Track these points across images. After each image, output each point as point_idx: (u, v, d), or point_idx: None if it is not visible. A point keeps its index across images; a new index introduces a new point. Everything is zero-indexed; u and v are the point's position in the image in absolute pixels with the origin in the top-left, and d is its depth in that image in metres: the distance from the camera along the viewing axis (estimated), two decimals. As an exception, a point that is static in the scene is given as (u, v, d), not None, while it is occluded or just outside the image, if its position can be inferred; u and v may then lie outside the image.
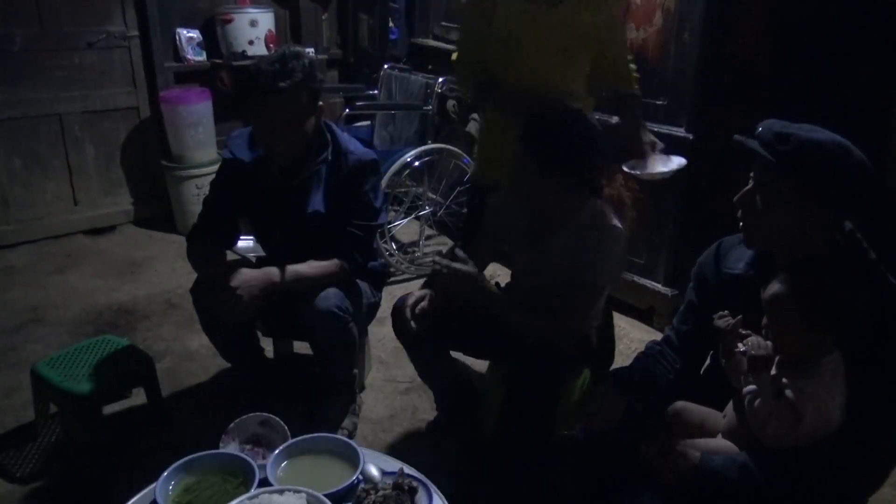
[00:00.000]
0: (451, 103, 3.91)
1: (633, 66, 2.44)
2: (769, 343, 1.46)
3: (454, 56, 2.45)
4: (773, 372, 1.44)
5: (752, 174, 1.51)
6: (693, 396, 1.72)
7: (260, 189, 2.28)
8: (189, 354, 2.96)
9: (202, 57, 4.37)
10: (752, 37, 2.80)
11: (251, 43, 4.26)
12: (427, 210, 3.86)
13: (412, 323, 2.11)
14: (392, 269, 3.57)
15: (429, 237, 4.07)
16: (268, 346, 2.70)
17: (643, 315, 3.25)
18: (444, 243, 4.13)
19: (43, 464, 2.31)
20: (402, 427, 2.54)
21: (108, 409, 2.46)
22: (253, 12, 4.26)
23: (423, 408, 2.66)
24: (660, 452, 1.49)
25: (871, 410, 1.40)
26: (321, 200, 2.25)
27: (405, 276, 3.70)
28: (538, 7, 2.21)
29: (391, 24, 4.49)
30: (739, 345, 1.50)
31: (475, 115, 3.88)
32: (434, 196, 3.91)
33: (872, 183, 1.43)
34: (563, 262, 2.03)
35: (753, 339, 1.49)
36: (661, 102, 2.94)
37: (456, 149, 3.72)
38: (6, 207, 4.02)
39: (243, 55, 4.23)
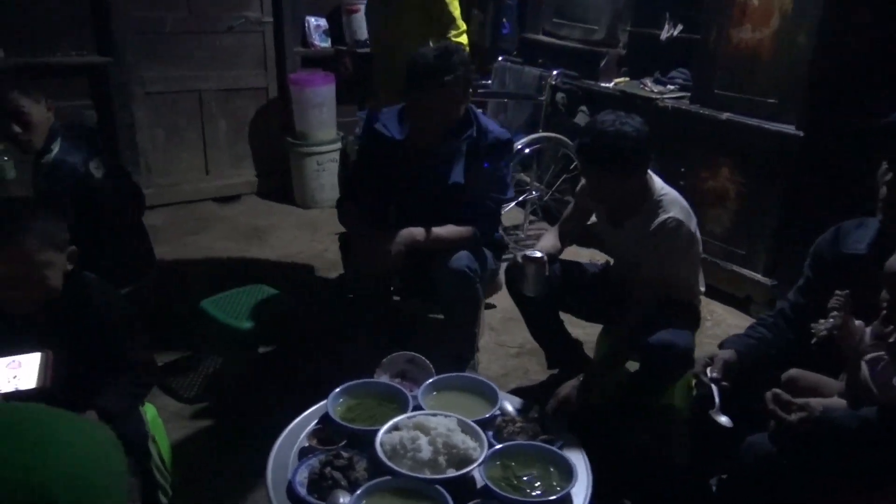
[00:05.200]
0: (560, 95, 4.12)
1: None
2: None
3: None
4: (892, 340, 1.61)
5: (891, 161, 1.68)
6: (806, 365, 1.90)
7: (405, 161, 2.55)
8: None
9: (327, 43, 4.71)
10: (863, 40, 2.93)
11: (372, 34, 4.57)
12: (534, 195, 4.09)
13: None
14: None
15: (531, 222, 4.30)
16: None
17: (740, 303, 3.40)
18: (545, 228, 4.34)
19: (204, 390, 2.66)
20: (514, 384, 2.79)
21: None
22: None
23: (533, 370, 2.90)
24: (784, 403, 1.68)
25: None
26: (461, 173, 2.50)
27: (508, 256, 3.94)
28: None
29: (503, 19, 4.74)
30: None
31: (583, 108, 4.10)
32: (539, 184, 4.13)
33: None
34: (646, 241, 2.25)
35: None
36: (771, 101, 3.09)
37: (564, 138, 3.93)
38: (148, 173, 4.45)
39: (366, 43, 4.54)
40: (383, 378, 2.14)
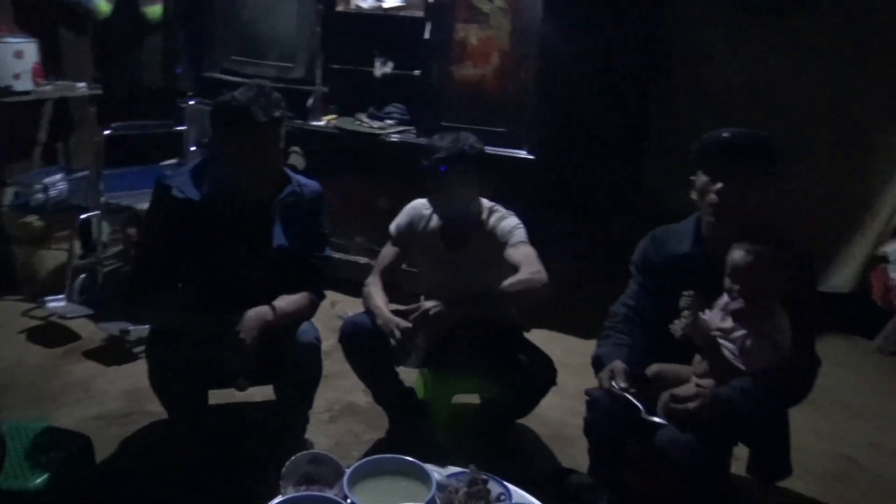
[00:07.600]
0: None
1: None
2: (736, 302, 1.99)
3: None
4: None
5: (714, 173, 2.00)
6: (658, 357, 2.18)
7: (213, 227, 2.16)
8: (78, 428, 2.56)
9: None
10: (579, 69, 3.44)
11: (17, 77, 3.72)
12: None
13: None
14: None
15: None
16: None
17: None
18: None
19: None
20: (356, 451, 2.57)
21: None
22: (17, 42, 3.72)
23: (360, 430, 2.72)
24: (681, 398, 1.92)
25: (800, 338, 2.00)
26: (282, 234, 2.22)
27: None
28: None
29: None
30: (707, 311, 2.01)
31: (296, 148, 3.96)
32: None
33: None
34: (486, 254, 2.43)
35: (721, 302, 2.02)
36: (501, 130, 3.40)
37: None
38: None
39: (9, 91, 3.68)
40: (289, 490, 1.80)
